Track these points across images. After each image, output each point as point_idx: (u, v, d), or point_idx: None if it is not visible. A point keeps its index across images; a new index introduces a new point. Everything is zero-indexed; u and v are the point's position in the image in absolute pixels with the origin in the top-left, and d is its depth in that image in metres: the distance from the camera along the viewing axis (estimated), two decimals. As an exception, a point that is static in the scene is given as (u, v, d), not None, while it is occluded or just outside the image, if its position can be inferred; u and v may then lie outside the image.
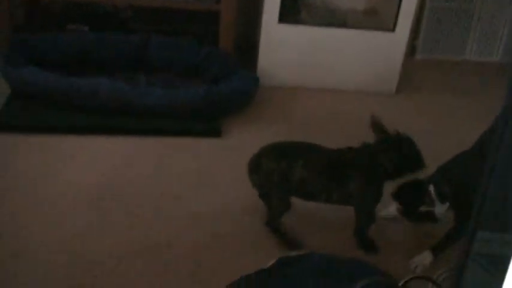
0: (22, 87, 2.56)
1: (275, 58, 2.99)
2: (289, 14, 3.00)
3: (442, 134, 2.74)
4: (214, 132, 2.48)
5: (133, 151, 2.32)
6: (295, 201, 1.87)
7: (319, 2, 3.17)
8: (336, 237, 1.94)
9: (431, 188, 1.78)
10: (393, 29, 2.99)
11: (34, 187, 2.05)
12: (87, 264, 1.72)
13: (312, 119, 2.75)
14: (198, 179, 2.19)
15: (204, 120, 2.54)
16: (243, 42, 3.26)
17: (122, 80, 2.62)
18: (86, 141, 2.36)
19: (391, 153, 1.79)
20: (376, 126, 1.84)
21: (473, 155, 1.89)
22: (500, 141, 0.65)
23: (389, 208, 2.02)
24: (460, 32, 3.68)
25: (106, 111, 2.48)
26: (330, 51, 3.02)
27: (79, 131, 2.42)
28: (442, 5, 3.57)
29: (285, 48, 2.98)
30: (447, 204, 1.78)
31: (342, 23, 3.08)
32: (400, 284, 1.31)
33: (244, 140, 2.45)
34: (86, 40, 2.89)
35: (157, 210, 2.00)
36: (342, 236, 1.93)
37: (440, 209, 1.79)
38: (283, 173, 1.76)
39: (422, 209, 1.80)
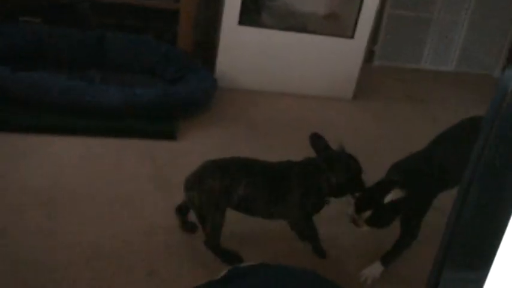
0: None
1: (234, 60, 2.97)
2: (249, 16, 2.99)
3: (397, 139, 2.79)
4: (169, 135, 2.43)
5: (87, 152, 2.26)
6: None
7: (280, 5, 3.17)
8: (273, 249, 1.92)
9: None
10: (352, 36, 3.01)
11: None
12: (33, 272, 1.65)
13: (270, 123, 2.74)
14: (151, 182, 2.14)
15: (160, 122, 2.49)
16: (203, 42, 3.22)
17: (76, 77, 2.54)
18: (37, 141, 2.28)
19: (338, 172, 1.76)
20: (317, 144, 1.81)
21: (424, 159, 1.91)
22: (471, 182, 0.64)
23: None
24: (417, 40, 3.75)
25: (59, 109, 2.40)
26: (289, 55, 3.01)
27: (32, 129, 2.33)
28: (400, 12, 3.63)
29: (245, 51, 2.96)
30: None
31: (302, 28, 3.09)
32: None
33: (200, 143, 2.42)
34: (39, 33, 2.79)
35: (110, 214, 1.94)
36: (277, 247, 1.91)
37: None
38: (226, 190, 1.71)
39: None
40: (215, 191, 1.70)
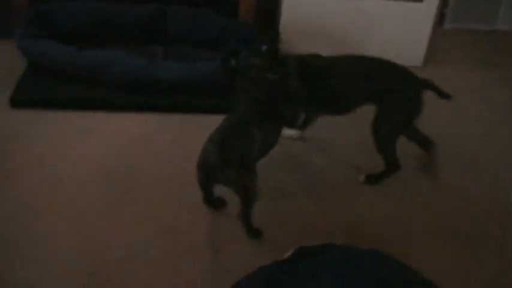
0: (38, 60, 2.52)
1: (297, 29, 2.89)
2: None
3: (470, 108, 2.65)
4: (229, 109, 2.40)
5: (147, 128, 2.27)
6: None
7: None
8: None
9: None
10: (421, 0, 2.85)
11: (50, 163, 2.03)
12: (97, 247, 1.69)
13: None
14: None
15: (223, 96, 2.46)
16: (265, 12, 3.15)
17: (138, 53, 2.55)
18: (100, 117, 2.32)
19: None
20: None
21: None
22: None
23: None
24: (491, 1, 3.51)
25: (122, 85, 2.43)
26: (355, 22, 2.90)
27: (94, 106, 2.37)
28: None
29: (308, 19, 2.87)
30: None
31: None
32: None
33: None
34: (103, 11, 2.81)
35: (170, 192, 1.96)
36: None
37: None
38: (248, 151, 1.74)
39: None
40: (243, 157, 1.70)
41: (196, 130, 2.28)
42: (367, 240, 1.80)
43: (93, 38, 2.76)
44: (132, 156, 2.11)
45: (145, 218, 1.82)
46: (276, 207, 1.93)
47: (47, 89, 2.43)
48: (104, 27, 2.79)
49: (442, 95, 2.00)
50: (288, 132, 2.25)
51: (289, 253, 1.49)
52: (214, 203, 1.88)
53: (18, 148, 2.10)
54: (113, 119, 2.31)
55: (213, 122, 1.82)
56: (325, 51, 2.89)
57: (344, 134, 2.39)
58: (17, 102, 2.34)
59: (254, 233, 1.78)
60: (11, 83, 2.43)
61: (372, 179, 2.08)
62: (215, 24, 2.82)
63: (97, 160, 2.06)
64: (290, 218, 1.89)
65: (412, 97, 1.98)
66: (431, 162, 2.15)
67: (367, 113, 2.03)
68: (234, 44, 2.74)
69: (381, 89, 1.97)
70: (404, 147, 2.10)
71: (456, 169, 2.21)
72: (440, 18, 3.50)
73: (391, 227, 1.89)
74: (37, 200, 1.86)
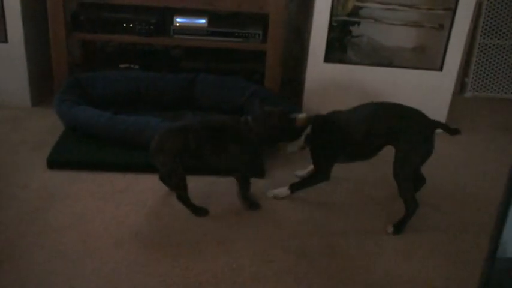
0: (74, 124, 2.67)
1: (321, 97, 3.00)
2: (335, 53, 3.03)
3: (490, 174, 2.67)
4: (258, 172, 2.49)
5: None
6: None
7: (366, 41, 3.18)
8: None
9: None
10: (441, 68, 2.95)
11: (83, 222, 2.12)
12: None
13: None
14: (239, 219, 2.21)
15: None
16: (290, 80, 3.30)
17: (169, 119, 2.68)
18: (132, 178, 2.42)
19: (262, 122, 2.17)
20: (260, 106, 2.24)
21: (351, 117, 2.27)
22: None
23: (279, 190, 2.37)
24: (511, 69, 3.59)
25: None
26: (376, 90, 3.00)
27: (127, 168, 2.49)
28: (492, 41, 3.51)
29: (331, 88, 2.99)
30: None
31: (389, 62, 3.08)
32: None
33: (286, 180, 2.45)
34: (137, 78, 2.98)
35: (200, 252, 2.02)
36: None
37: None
38: (181, 146, 2.11)
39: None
40: (173, 149, 2.11)
41: (225, 190, 2.37)
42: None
43: (128, 105, 2.91)
44: (162, 216, 2.19)
45: (173, 278, 1.88)
46: (297, 265, 1.97)
47: (82, 151, 2.56)
48: (137, 95, 2.95)
49: (452, 131, 2.21)
50: (275, 191, 2.38)
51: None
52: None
53: (53, 207, 2.20)
54: (145, 180, 2.41)
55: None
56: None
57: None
58: (54, 163, 2.47)
59: (197, 211, 2.19)
60: (49, 144, 2.57)
61: (400, 227, 2.18)
62: (242, 91, 2.95)
63: (129, 219, 2.15)
64: (310, 275, 1.92)
65: (427, 137, 2.15)
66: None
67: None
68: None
69: (397, 131, 2.15)
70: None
71: (476, 228, 2.23)
72: (461, 86, 3.60)
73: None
74: (69, 258, 1.93)
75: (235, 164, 2.23)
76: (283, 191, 2.35)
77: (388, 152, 2.20)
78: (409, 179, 2.16)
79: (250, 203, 2.27)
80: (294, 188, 2.35)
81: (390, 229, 2.18)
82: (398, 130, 2.15)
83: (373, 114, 2.22)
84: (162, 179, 2.33)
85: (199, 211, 2.20)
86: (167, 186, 2.32)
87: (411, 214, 2.18)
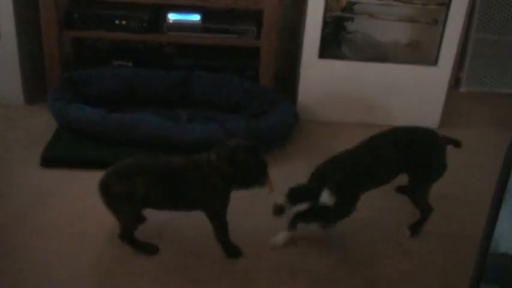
0: (68, 122, 2.65)
1: (315, 93, 3.00)
2: (329, 49, 3.02)
3: (485, 169, 2.67)
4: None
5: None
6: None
7: (360, 37, 3.17)
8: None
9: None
10: (435, 63, 2.95)
11: (77, 220, 2.11)
12: None
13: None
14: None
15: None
16: (284, 77, 3.29)
17: (163, 116, 2.67)
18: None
19: (225, 160, 1.78)
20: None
21: (360, 154, 2.05)
22: None
23: (277, 236, 2.05)
24: (506, 64, 3.59)
25: (148, 146, 2.53)
26: (371, 86, 3.00)
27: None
28: (487, 36, 3.50)
29: (325, 83, 2.98)
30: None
31: (383, 58, 3.07)
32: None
33: (283, 176, 2.44)
34: (131, 76, 2.97)
35: (196, 251, 2.01)
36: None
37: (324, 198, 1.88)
38: (127, 191, 1.85)
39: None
40: (118, 192, 1.86)
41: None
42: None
43: (122, 103, 2.90)
44: (156, 214, 2.18)
45: (171, 273, 1.87)
46: (295, 261, 1.97)
47: (75, 149, 2.55)
48: (131, 92, 2.93)
49: (456, 143, 2.21)
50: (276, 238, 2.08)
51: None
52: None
53: (47, 205, 2.19)
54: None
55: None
56: (342, 115, 3.01)
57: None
58: (47, 161, 2.46)
59: (145, 249, 1.95)
60: (42, 143, 2.55)
61: (416, 229, 2.15)
62: (237, 89, 2.94)
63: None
64: (308, 271, 1.92)
65: (441, 157, 2.12)
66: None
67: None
68: (257, 106, 2.86)
69: (415, 159, 2.08)
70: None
71: (475, 227, 2.23)
72: (456, 81, 3.59)
73: (413, 285, 1.90)
74: (63, 256, 1.92)
75: (200, 208, 1.93)
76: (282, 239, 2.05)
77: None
78: (426, 198, 2.13)
79: (230, 250, 1.96)
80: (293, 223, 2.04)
81: (407, 233, 2.14)
82: (416, 160, 2.09)
83: (386, 150, 2.07)
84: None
85: (148, 248, 1.98)
86: None
87: (426, 218, 2.15)
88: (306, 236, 2.08)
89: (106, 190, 1.89)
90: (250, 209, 2.21)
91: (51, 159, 2.47)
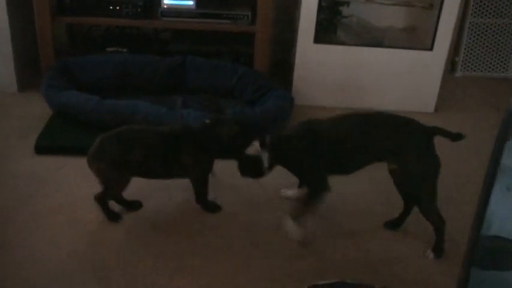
0: (62, 109, 2.64)
1: (311, 78, 2.99)
2: (324, 34, 3.00)
3: (482, 153, 2.67)
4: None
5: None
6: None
7: (356, 21, 3.16)
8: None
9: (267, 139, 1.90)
10: (431, 48, 2.94)
11: (71, 207, 2.10)
12: None
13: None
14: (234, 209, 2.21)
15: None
16: (279, 62, 3.27)
17: (158, 102, 2.66)
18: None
19: (215, 131, 1.95)
20: (212, 104, 2.10)
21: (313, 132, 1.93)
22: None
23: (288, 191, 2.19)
24: (502, 48, 3.58)
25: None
26: (367, 71, 2.99)
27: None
28: (483, 20, 3.49)
29: (321, 68, 2.97)
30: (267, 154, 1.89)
31: (379, 42, 3.06)
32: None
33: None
34: (125, 62, 2.95)
35: (192, 237, 2.01)
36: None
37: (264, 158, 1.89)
38: (126, 158, 1.92)
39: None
40: (114, 157, 1.92)
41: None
42: (380, 279, 1.81)
43: (116, 89, 2.88)
44: (151, 200, 2.18)
45: (162, 260, 1.87)
46: (288, 246, 1.97)
47: (70, 136, 2.54)
48: (125, 78, 2.92)
49: (454, 136, 1.92)
50: (285, 192, 2.22)
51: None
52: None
53: (42, 193, 2.18)
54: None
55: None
56: (337, 100, 3.00)
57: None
58: (41, 148, 2.45)
59: (111, 216, 2.02)
60: (36, 130, 2.54)
61: (439, 251, 1.97)
62: (232, 74, 2.93)
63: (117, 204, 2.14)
64: (301, 255, 1.92)
65: (428, 147, 1.90)
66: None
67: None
68: (252, 92, 2.85)
69: (392, 148, 1.88)
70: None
71: (468, 211, 2.23)
72: (451, 66, 3.59)
73: (406, 269, 1.91)
74: (59, 243, 1.93)
75: (188, 174, 2.05)
76: (296, 230, 1.96)
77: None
78: (431, 196, 1.92)
79: (210, 208, 2.13)
80: (301, 218, 1.97)
81: (430, 255, 1.96)
82: (397, 146, 1.88)
83: (363, 128, 1.92)
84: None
85: (114, 216, 2.04)
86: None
87: (442, 233, 1.96)
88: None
89: (100, 155, 1.93)
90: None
91: (45, 147, 2.46)
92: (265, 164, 1.91)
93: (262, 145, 1.89)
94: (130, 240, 1.97)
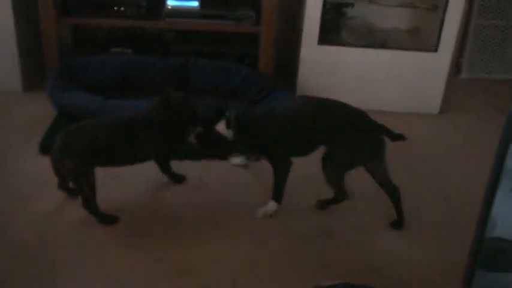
0: (66, 109, 2.65)
1: (315, 79, 2.98)
2: (329, 35, 3.00)
3: (486, 155, 2.66)
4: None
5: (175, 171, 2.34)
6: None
7: (360, 23, 3.15)
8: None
9: (230, 113, 2.04)
10: (436, 49, 2.93)
11: (76, 207, 2.10)
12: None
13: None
14: (238, 203, 2.21)
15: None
16: (283, 63, 3.27)
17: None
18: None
19: (159, 106, 2.07)
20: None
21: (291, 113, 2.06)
22: None
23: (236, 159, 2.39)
24: (507, 51, 3.57)
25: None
26: (371, 72, 2.99)
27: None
28: (488, 22, 3.48)
29: (325, 70, 2.97)
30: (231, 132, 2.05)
31: (383, 44, 3.05)
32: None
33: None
34: (129, 63, 2.96)
35: (194, 235, 2.01)
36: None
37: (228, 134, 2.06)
38: (89, 148, 1.95)
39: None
40: (81, 151, 1.94)
41: (217, 173, 2.36)
42: (384, 281, 1.81)
43: (120, 90, 2.89)
44: (155, 199, 2.19)
45: (161, 257, 1.87)
46: (292, 245, 1.97)
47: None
48: (129, 79, 2.93)
49: (394, 137, 2.00)
50: (234, 160, 2.42)
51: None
52: (68, 190, 2.12)
53: (46, 193, 2.18)
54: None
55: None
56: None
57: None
58: (46, 148, 2.45)
59: (105, 219, 2.01)
60: (41, 130, 2.55)
61: (322, 204, 2.16)
62: (235, 75, 2.93)
63: (122, 203, 2.14)
64: (305, 256, 1.92)
65: (368, 139, 2.00)
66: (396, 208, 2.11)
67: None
68: (255, 92, 2.85)
69: (330, 132, 2.01)
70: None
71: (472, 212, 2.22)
72: (456, 68, 3.58)
73: (410, 271, 1.90)
74: (63, 246, 1.93)
75: (148, 152, 2.14)
76: (271, 206, 2.12)
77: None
78: (337, 175, 2.04)
79: (175, 178, 2.27)
80: (277, 197, 2.11)
81: (390, 226, 2.08)
82: (336, 131, 2.00)
83: (315, 112, 2.04)
84: (61, 186, 2.12)
85: (107, 219, 2.03)
86: (68, 194, 2.13)
87: (337, 201, 2.13)
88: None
89: (66, 148, 1.95)
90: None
91: (50, 146, 2.45)
92: (230, 139, 2.07)
93: (228, 123, 2.05)
94: (134, 239, 1.97)
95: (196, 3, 2.96)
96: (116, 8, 2.94)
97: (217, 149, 2.33)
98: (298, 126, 2.03)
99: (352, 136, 2.00)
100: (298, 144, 2.07)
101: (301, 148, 2.08)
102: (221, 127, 2.07)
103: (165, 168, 2.24)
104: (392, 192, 2.07)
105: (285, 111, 2.08)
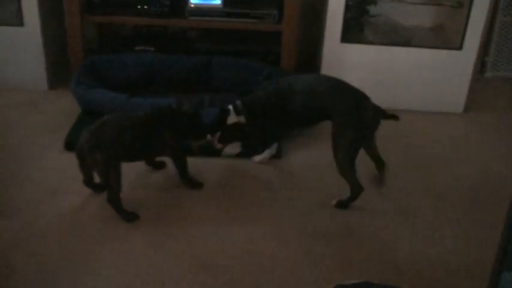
0: (91, 106, 2.68)
1: (338, 77, 2.96)
2: (351, 33, 2.98)
3: (506, 152, 2.64)
4: (275, 154, 2.49)
5: (196, 171, 2.36)
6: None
7: (383, 20, 3.13)
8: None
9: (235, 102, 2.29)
10: (460, 47, 2.89)
11: (100, 203, 2.13)
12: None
13: (377, 140, 2.69)
14: (259, 201, 2.21)
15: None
16: (306, 61, 3.26)
17: (185, 101, 2.67)
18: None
19: (172, 120, 2.17)
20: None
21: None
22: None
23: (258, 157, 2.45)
24: (534, 48, 3.51)
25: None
26: (394, 70, 2.96)
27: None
28: (514, 20, 3.43)
29: (348, 68, 2.95)
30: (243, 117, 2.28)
31: (407, 42, 3.03)
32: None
33: (302, 161, 2.45)
34: (152, 61, 2.98)
35: (219, 231, 2.02)
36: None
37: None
38: (117, 143, 2.00)
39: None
40: (111, 143, 1.99)
41: (239, 171, 2.36)
42: (406, 280, 1.80)
43: (143, 88, 2.91)
44: (180, 197, 2.20)
45: (183, 253, 1.89)
46: (313, 244, 1.97)
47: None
48: (152, 77, 2.96)
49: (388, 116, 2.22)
50: (257, 157, 2.46)
51: (327, 290, 1.52)
52: (93, 186, 2.17)
53: (71, 189, 2.22)
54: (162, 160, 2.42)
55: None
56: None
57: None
58: (71, 145, 2.48)
59: (127, 216, 2.04)
60: (67, 127, 2.59)
61: (343, 205, 2.18)
62: (257, 73, 2.93)
63: (146, 201, 2.18)
64: (326, 255, 1.92)
65: (359, 108, 2.18)
66: (381, 179, 2.33)
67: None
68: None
69: (328, 107, 2.19)
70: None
71: (499, 210, 2.20)
72: (481, 66, 3.53)
73: (433, 270, 1.89)
74: (88, 242, 1.96)
75: (166, 150, 2.21)
76: (266, 154, 2.43)
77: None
78: (348, 158, 2.13)
79: (193, 184, 2.26)
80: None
81: (333, 202, 2.18)
82: (332, 105, 2.18)
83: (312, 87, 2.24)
84: (86, 182, 2.16)
85: (130, 216, 2.06)
86: (94, 190, 2.18)
87: (355, 197, 2.16)
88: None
89: (96, 143, 1.98)
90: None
91: (74, 143, 2.49)
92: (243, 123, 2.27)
93: (236, 110, 2.27)
94: (160, 237, 1.98)
95: (219, 1, 2.97)
96: (139, 7, 2.97)
97: (244, 139, 2.42)
98: (318, 98, 2.20)
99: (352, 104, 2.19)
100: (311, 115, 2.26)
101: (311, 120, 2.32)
102: (232, 118, 2.27)
103: (184, 172, 2.25)
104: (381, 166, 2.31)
105: (304, 85, 2.24)
